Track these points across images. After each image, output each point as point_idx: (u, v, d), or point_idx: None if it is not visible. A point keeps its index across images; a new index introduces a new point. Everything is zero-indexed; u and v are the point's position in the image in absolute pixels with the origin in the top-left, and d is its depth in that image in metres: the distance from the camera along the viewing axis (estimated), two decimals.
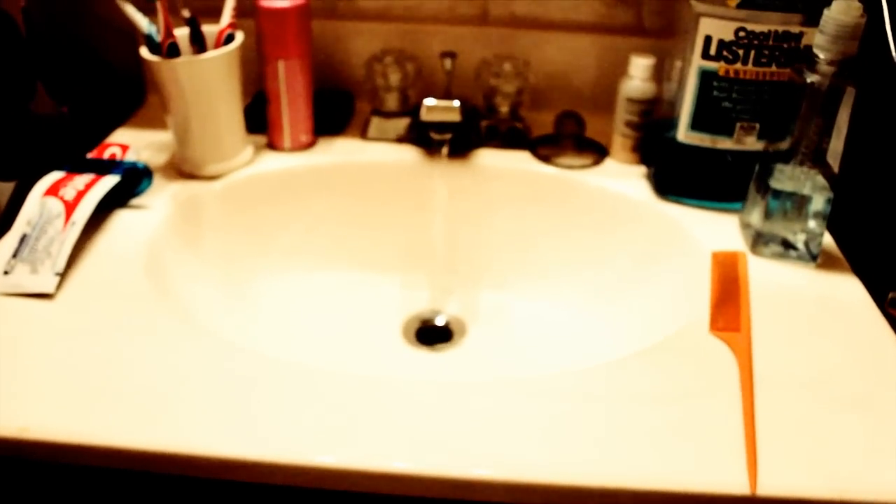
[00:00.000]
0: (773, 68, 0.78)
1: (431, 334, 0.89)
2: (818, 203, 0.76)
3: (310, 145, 0.96)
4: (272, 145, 0.96)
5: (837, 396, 0.62)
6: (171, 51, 0.83)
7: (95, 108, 1.02)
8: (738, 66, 0.79)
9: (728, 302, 0.72)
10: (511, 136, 0.95)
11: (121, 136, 0.98)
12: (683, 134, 0.83)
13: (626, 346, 0.75)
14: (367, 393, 0.62)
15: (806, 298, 0.74)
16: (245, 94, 0.91)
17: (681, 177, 0.85)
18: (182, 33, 0.86)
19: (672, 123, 0.84)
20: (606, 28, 1.01)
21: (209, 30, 0.88)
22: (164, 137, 0.93)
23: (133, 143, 0.94)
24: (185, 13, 0.84)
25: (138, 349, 0.66)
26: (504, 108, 0.95)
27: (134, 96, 1.05)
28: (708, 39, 0.78)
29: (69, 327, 0.68)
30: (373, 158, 0.94)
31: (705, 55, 0.79)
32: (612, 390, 0.62)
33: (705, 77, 0.80)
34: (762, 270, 0.78)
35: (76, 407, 0.60)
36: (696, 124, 0.82)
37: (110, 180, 0.81)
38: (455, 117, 0.88)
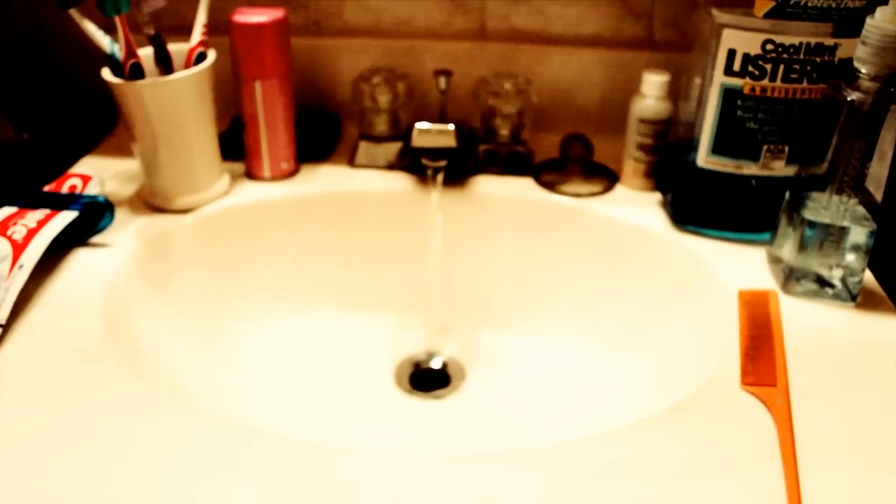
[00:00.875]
0: (805, 85, 0.70)
1: (427, 379, 0.82)
2: (858, 235, 0.67)
3: (292, 173, 0.89)
4: (250, 174, 0.88)
5: (891, 464, 0.53)
6: (134, 72, 0.75)
7: (60, 134, 0.93)
8: (766, 82, 0.71)
9: (760, 350, 0.64)
10: (512, 162, 0.88)
11: (86, 165, 0.91)
12: (704, 158, 0.75)
13: (644, 398, 0.68)
14: (354, 467, 0.53)
15: (846, 344, 0.66)
16: (222, 118, 0.84)
17: (700, 205, 0.78)
18: (148, 53, 0.78)
19: (691, 146, 0.76)
20: (614, 42, 0.94)
21: (179, 48, 0.81)
22: (133, 166, 0.85)
23: (99, 172, 0.87)
24: (149, 30, 0.75)
25: (89, 418, 0.57)
26: (504, 131, 0.88)
27: (104, 121, 0.96)
28: (731, 53, 0.70)
29: (9, 389, 0.60)
30: (361, 187, 0.87)
31: (728, 71, 0.71)
32: (632, 461, 0.54)
33: (728, 95, 0.72)
34: (795, 311, 0.69)
35: (9, 486, 0.51)
36: (718, 147, 0.75)
37: (67, 216, 0.73)
38: (450, 142, 0.80)
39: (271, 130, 0.85)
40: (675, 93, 0.81)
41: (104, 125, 0.97)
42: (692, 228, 0.79)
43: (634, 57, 0.91)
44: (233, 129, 0.88)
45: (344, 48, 0.95)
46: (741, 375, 0.62)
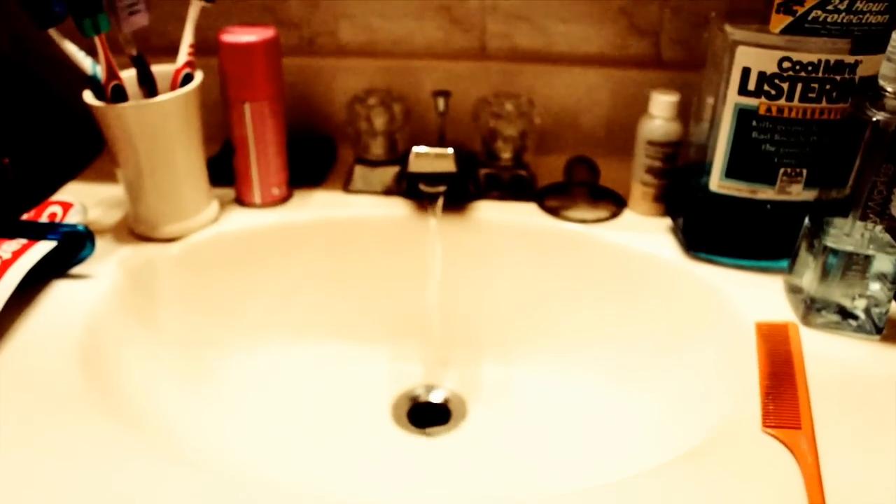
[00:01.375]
0: (824, 104, 0.66)
1: (426, 414, 0.79)
2: (883, 264, 0.63)
3: (284, 199, 0.85)
4: (240, 200, 0.84)
5: None
6: (116, 94, 0.71)
7: (44, 158, 0.89)
8: (782, 102, 0.67)
9: (782, 388, 0.60)
10: (514, 186, 0.85)
11: (69, 191, 0.87)
12: (717, 182, 0.72)
13: (657, 439, 0.65)
14: None
15: (873, 380, 0.61)
16: (212, 141, 0.81)
17: (713, 231, 0.74)
18: (131, 75, 0.74)
19: (703, 170, 0.72)
20: (620, 61, 0.90)
21: (164, 70, 0.77)
22: (119, 192, 0.81)
23: (83, 199, 0.83)
24: (132, 50, 0.71)
25: (65, 469, 0.53)
26: (506, 154, 0.84)
27: (91, 145, 0.92)
28: (746, 72, 0.66)
29: None
30: (356, 214, 0.83)
31: (743, 90, 0.67)
32: None
33: (743, 116, 0.68)
34: (817, 345, 0.65)
35: None
36: (732, 171, 0.71)
37: (44, 247, 0.69)
38: (449, 167, 0.76)
39: (262, 155, 0.81)
40: (686, 113, 0.78)
41: (91, 149, 0.93)
42: (705, 256, 0.75)
43: (641, 76, 0.88)
44: (223, 154, 0.84)
45: (339, 68, 0.92)
46: (762, 417, 0.58)
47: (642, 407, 0.73)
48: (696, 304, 0.73)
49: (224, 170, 0.83)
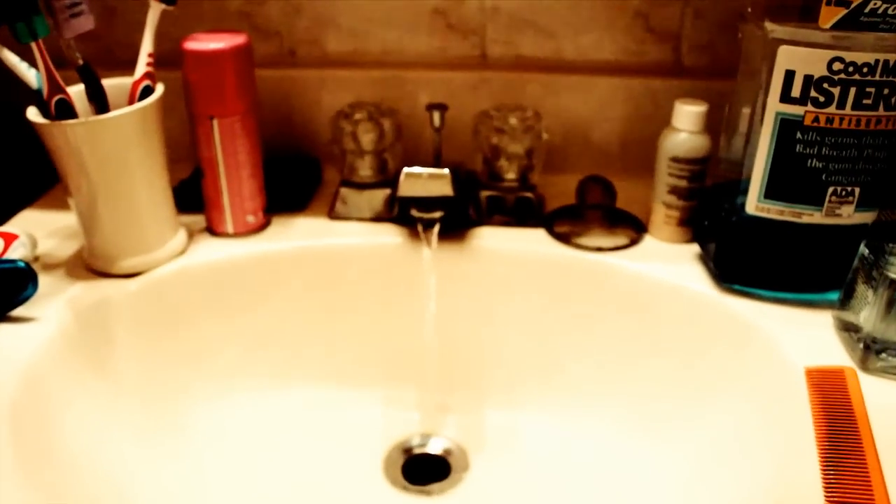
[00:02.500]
0: (881, 112, 0.58)
1: (423, 468, 0.72)
2: None
3: (260, 228, 0.77)
4: (211, 229, 0.76)
5: None
6: (62, 110, 0.62)
7: None
8: (832, 110, 0.58)
9: (844, 448, 0.50)
10: (520, 210, 0.77)
11: (21, 220, 0.79)
12: (754, 204, 0.63)
13: (683, 502, 0.55)
14: None
15: None
16: (185, 162, 0.74)
17: (750, 260, 0.65)
18: (81, 89, 0.65)
19: (737, 189, 0.64)
20: (637, 69, 0.83)
21: (121, 83, 0.69)
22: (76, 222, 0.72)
23: (36, 229, 0.75)
24: (77, 59, 0.62)
25: None
26: (510, 174, 0.77)
27: (50, 169, 0.83)
28: (789, 76, 0.58)
29: None
30: (342, 243, 0.76)
31: (785, 97, 0.58)
32: None
33: (785, 127, 0.59)
34: (881, 394, 0.56)
35: None
36: (773, 191, 0.62)
37: None
38: (445, 190, 0.68)
39: (233, 178, 0.72)
40: (714, 126, 0.69)
41: (50, 173, 0.83)
42: (740, 288, 0.66)
43: (660, 86, 0.81)
44: (195, 177, 0.75)
45: (323, 81, 0.84)
46: (823, 486, 0.48)
47: (668, 464, 0.65)
48: (731, 345, 0.65)
49: (196, 195, 0.75)
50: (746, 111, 0.63)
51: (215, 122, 0.70)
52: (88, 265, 0.70)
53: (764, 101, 0.59)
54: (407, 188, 0.68)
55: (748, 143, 0.62)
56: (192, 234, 0.75)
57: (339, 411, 0.76)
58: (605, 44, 0.82)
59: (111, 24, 0.84)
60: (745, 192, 0.63)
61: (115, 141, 0.65)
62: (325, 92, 0.85)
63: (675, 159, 0.70)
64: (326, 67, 0.85)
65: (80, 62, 0.64)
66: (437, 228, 0.70)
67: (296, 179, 0.83)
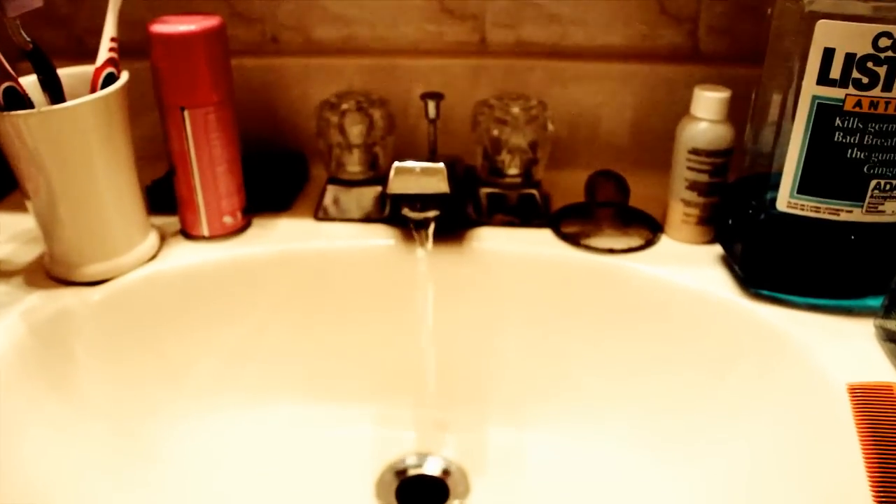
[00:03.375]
0: None
1: (418, 492, 0.68)
2: None
3: (239, 230, 0.71)
4: (185, 231, 0.70)
5: None
6: (12, 99, 0.56)
7: None
8: (877, 93, 0.51)
9: None
10: (524, 209, 0.72)
11: None
12: (786, 200, 0.56)
13: None
14: None
15: None
16: (162, 160, 0.68)
17: (781, 262, 0.59)
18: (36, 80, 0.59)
19: (766, 184, 0.58)
20: (650, 54, 0.77)
21: (81, 71, 0.63)
22: None
23: None
24: (25, 43, 0.56)
25: None
26: (513, 169, 0.72)
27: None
28: (828, 54, 0.51)
29: None
30: (329, 246, 0.70)
31: (823, 79, 0.52)
32: None
33: (823, 113, 0.53)
34: None
35: None
36: (807, 185, 0.56)
37: None
38: (440, 186, 0.62)
39: (207, 174, 0.66)
40: (737, 116, 0.64)
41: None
42: (769, 294, 0.60)
43: (676, 72, 0.76)
44: (170, 175, 0.70)
45: (309, 70, 0.79)
46: None
47: (689, 491, 0.60)
48: (760, 358, 0.59)
49: (171, 195, 0.70)
50: (777, 97, 0.57)
51: (186, 114, 0.64)
52: (49, 272, 0.65)
53: (798, 84, 0.53)
54: (398, 184, 0.62)
55: (779, 133, 0.56)
56: (164, 238, 0.70)
57: (327, 430, 0.71)
58: (616, 27, 0.77)
59: (79, 9, 0.77)
60: (775, 186, 0.57)
61: (74, 134, 0.59)
62: (311, 82, 0.79)
63: (695, 151, 0.65)
64: (312, 55, 0.79)
65: (30, 46, 0.57)
66: (431, 229, 0.65)
67: (279, 177, 0.77)
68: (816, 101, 0.53)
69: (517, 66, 0.77)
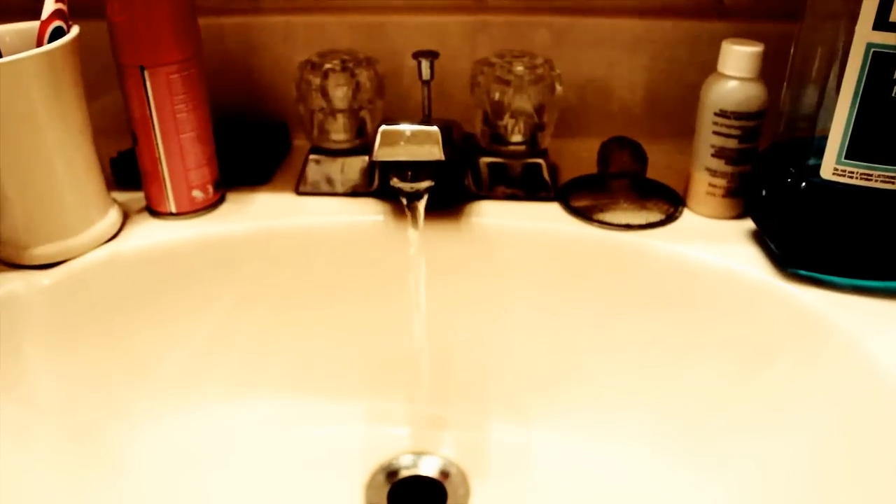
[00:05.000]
0: None
1: (413, 496, 0.63)
2: None
3: (211, 205, 0.65)
4: (151, 208, 0.64)
5: None
6: None
7: None
8: None
9: None
10: (529, 180, 0.67)
11: None
12: (832, 166, 0.50)
13: None
14: None
15: None
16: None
17: (824, 239, 0.53)
18: None
19: (808, 149, 0.52)
20: (668, 9, 0.71)
21: (24, 27, 0.57)
22: None
23: None
24: None
25: None
26: (516, 136, 0.66)
27: None
28: None
29: None
30: (311, 223, 0.65)
31: (881, 23, 0.45)
32: None
33: (880, 63, 0.46)
34: None
35: None
36: (857, 149, 0.49)
37: None
38: (433, 152, 0.56)
39: (172, 143, 0.60)
40: (770, 76, 0.57)
41: None
42: (808, 275, 0.54)
43: (698, 30, 0.70)
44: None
45: (291, 28, 0.73)
46: None
47: (715, 499, 0.55)
48: (799, 347, 0.53)
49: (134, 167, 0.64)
50: (822, 49, 0.51)
51: (147, 74, 0.57)
52: None
53: (849, 30, 0.46)
54: (385, 150, 0.56)
55: (824, 91, 0.50)
56: (128, 215, 0.64)
57: (311, 428, 0.67)
58: None
59: None
60: (818, 152, 0.50)
61: (15, 95, 0.52)
62: (293, 42, 0.73)
63: (723, 113, 0.58)
64: (294, 13, 0.73)
65: None
66: (424, 202, 0.59)
67: (257, 148, 0.71)
68: (871, 50, 0.46)
69: (520, 24, 0.72)
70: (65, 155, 0.56)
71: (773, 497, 0.50)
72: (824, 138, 0.50)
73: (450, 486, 0.63)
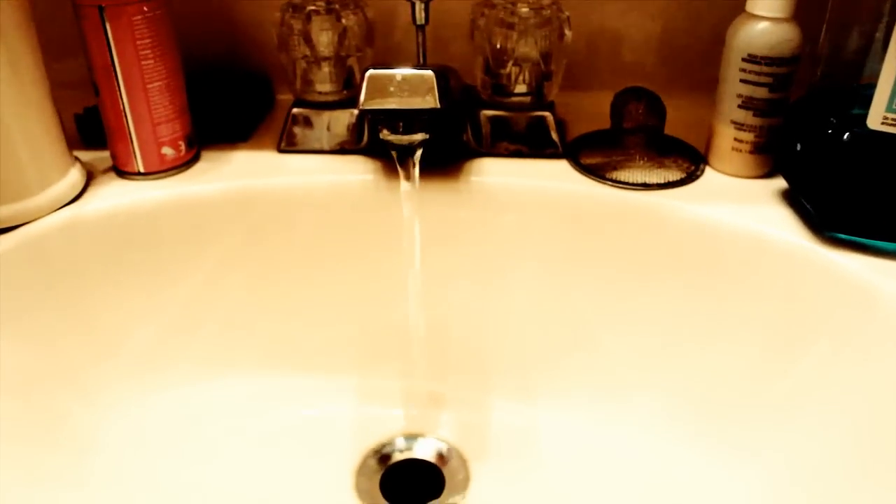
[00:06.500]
0: None
1: (407, 482, 0.60)
2: None
3: (183, 164, 0.61)
4: (117, 167, 0.60)
5: None
6: None
7: None
8: None
9: None
10: (535, 135, 0.63)
11: None
12: (881, 115, 0.45)
13: None
14: None
15: None
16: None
17: (868, 199, 0.48)
18: None
19: (851, 98, 0.48)
20: None
21: None
22: None
23: None
24: None
25: None
26: (521, 86, 0.62)
27: None
28: None
29: None
30: (294, 182, 0.61)
31: None
32: None
33: None
34: None
35: None
36: None
37: None
38: (428, 101, 0.51)
39: (138, 94, 0.56)
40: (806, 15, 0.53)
41: None
42: (850, 239, 0.50)
43: None
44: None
45: None
46: None
47: (735, 491, 0.52)
48: (840, 319, 0.49)
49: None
50: None
51: (106, 15, 0.53)
52: None
53: None
54: (373, 99, 0.51)
55: (873, 33, 0.46)
56: (93, 175, 0.60)
57: (296, 408, 0.64)
58: None
59: None
60: (864, 101, 0.46)
61: None
62: None
63: (752, 58, 0.54)
64: None
65: None
66: (418, 157, 0.55)
67: (235, 102, 0.67)
68: None
69: None
70: (16, 108, 0.52)
71: (800, 491, 0.47)
72: (871, 86, 0.45)
73: (448, 472, 0.61)
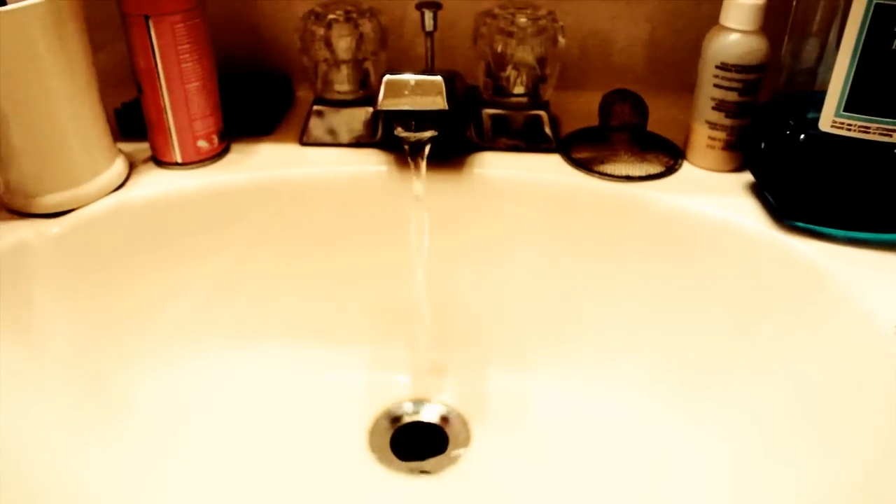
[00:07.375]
0: None
1: (415, 441, 0.64)
2: None
3: (216, 155, 0.65)
4: (157, 158, 0.64)
5: None
6: None
7: None
8: None
9: None
10: (531, 132, 0.66)
11: None
12: (831, 119, 0.50)
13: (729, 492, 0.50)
14: None
15: None
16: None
17: (821, 191, 0.53)
18: None
19: (807, 102, 0.52)
20: None
21: None
22: None
23: None
24: None
25: None
26: (519, 88, 0.65)
27: None
28: None
29: None
30: (314, 173, 0.65)
31: None
32: None
33: (881, 16, 0.46)
34: None
35: None
36: (857, 101, 0.49)
37: None
38: (436, 102, 0.56)
39: (177, 93, 0.60)
40: (771, 30, 0.57)
41: None
42: (805, 227, 0.54)
43: None
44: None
45: None
46: None
47: (711, 445, 0.56)
48: (796, 298, 0.53)
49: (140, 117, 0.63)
50: (824, 2, 0.51)
51: (151, 23, 0.57)
52: (5, 203, 0.58)
53: None
54: (390, 100, 0.56)
55: (825, 44, 0.50)
56: (134, 165, 0.64)
57: (314, 375, 0.67)
58: None
59: None
60: (818, 105, 0.51)
61: (20, 43, 0.52)
62: None
63: (724, 66, 0.58)
64: None
65: None
66: (426, 152, 0.59)
67: (260, 98, 0.70)
68: (873, 3, 0.46)
69: None
70: (71, 103, 0.56)
71: (766, 442, 0.51)
72: (824, 92, 0.50)
73: (451, 432, 0.64)
